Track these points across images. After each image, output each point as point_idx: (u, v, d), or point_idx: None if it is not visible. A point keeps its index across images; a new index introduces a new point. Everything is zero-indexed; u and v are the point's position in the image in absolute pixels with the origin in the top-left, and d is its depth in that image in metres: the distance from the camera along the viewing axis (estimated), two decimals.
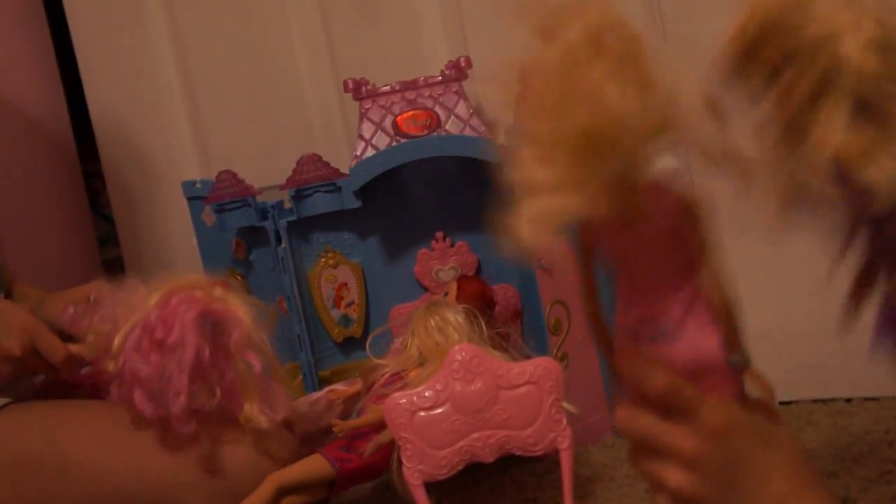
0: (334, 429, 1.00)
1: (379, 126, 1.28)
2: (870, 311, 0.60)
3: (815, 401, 1.21)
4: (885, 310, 0.58)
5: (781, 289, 1.19)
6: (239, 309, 0.99)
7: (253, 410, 0.98)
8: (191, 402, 0.95)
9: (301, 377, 1.31)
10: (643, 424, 0.56)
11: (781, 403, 1.21)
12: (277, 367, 1.05)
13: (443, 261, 1.34)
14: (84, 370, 1.05)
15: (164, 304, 0.97)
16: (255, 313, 1.00)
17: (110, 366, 0.98)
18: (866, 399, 1.19)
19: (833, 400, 1.20)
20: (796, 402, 1.21)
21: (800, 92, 0.51)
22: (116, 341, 0.97)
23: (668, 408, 0.55)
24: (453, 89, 1.28)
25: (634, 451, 0.58)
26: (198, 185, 1.40)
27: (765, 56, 0.53)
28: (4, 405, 1.03)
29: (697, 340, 0.54)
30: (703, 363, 0.55)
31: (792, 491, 0.55)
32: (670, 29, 1.25)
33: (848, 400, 1.20)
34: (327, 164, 1.31)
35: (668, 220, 0.53)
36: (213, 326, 0.98)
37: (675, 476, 0.55)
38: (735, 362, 0.56)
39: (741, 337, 0.56)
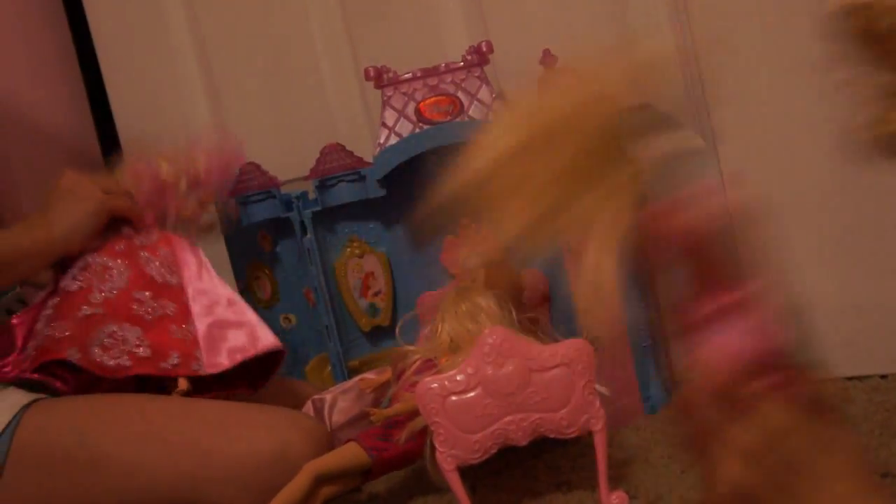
0: (371, 417, 1.00)
1: (401, 113, 1.27)
2: None
3: (851, 378, 1.19)
4: None
5: (815, 266, 1.18)
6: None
7: None
8: None
9: (330, 367, 1.31)
10: (701, 418, 0.56)
11: None
12: None
13: (469, 247, 1.33)
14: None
15: None
16: None
17: None
18: None
19: (868, 377, 1.19)
20: (831, 379, 1.20)
21: None
22: None
23: (728, 404, 0.55)
24: (475, 74, 1.27)
25: (690, 440, 0.58)
26: None
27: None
28: (32, 402, 1.03)
29: (764, 336, 0.54)
30: (769, 358, 0.54)
31: (849, 495, 0.55)
32: (697, 30, 1.24)
33: (883, 376, 1.18)
34: (350, 153, 1.30)
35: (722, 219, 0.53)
36: None
37: (733, 468, 0.55)
38: (800, 360, 0.55)
39: (808, 335, 0.56)
